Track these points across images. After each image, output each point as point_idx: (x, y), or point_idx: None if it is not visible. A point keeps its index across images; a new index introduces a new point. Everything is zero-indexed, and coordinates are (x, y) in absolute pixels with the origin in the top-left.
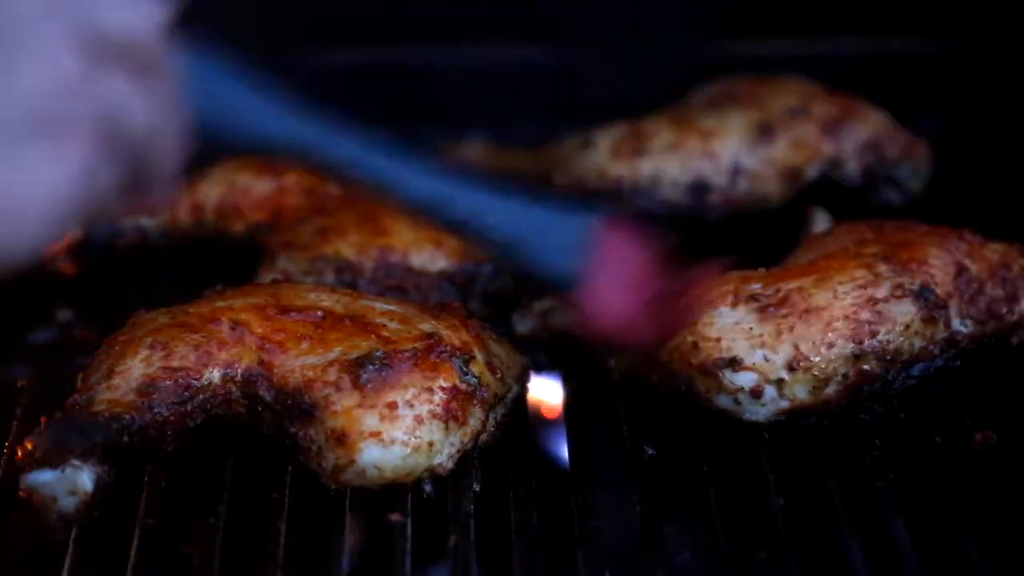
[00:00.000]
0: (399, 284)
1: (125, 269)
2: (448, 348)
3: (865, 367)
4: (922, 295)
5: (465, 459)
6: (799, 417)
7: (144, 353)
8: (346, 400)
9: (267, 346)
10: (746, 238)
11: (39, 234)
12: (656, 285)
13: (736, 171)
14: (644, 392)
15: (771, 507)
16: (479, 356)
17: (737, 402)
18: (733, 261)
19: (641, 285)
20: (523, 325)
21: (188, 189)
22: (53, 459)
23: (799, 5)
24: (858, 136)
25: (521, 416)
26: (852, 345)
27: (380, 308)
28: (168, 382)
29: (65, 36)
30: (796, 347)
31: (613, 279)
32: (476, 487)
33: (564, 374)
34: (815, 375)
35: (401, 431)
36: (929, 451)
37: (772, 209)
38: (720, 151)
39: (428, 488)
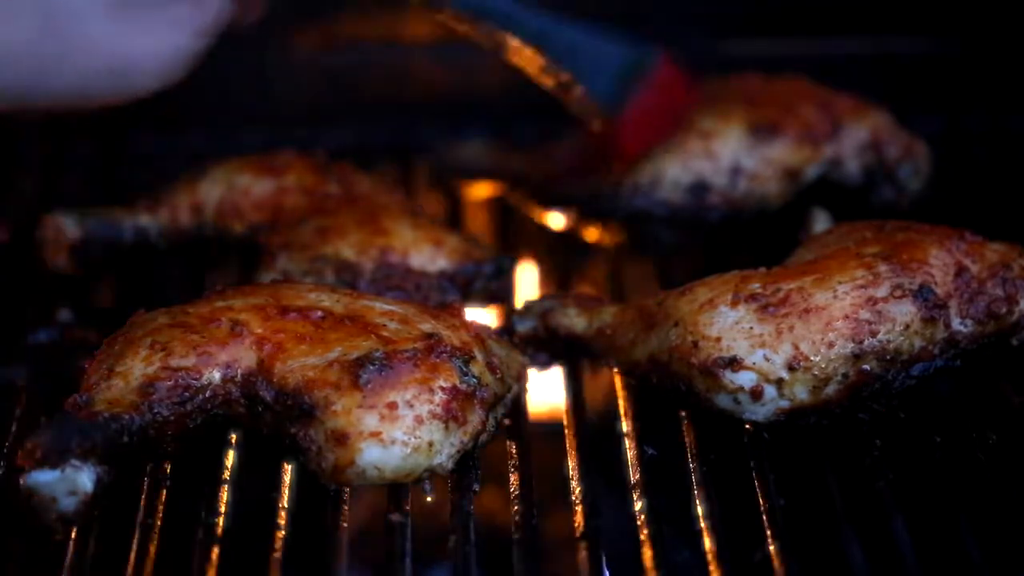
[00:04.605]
0: (399, 284)
1: (125, 269)
2: (448, 348)
3: (865, 367)
4: (922, 295)
5: (465, 459)
6: (799, 417)
7: (144, 353)
8: (346, 400)
9: (267, 346)
10: (746, 238)
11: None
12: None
13: (736, 171)
14: (644, 392)
15: (771, 507)
16: (479, 356)
17: (737, 402)
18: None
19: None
20: (523, 325)
21: (188, 189)
22: (53, 459)
23: (799, 5)
24: (858, 136)
25: (521, 416)
26: (852, 345)
27: (380, 308)
28: (168, 382)
29: None
30: (796, 347)
31: (652, 112)
32: (476, 487)
33: (564, 374)
34: (815, 375)
35: (401, 431)
36: (929, 451)
37: (772, 209)
38: (720, 151)
39: (428, 488)
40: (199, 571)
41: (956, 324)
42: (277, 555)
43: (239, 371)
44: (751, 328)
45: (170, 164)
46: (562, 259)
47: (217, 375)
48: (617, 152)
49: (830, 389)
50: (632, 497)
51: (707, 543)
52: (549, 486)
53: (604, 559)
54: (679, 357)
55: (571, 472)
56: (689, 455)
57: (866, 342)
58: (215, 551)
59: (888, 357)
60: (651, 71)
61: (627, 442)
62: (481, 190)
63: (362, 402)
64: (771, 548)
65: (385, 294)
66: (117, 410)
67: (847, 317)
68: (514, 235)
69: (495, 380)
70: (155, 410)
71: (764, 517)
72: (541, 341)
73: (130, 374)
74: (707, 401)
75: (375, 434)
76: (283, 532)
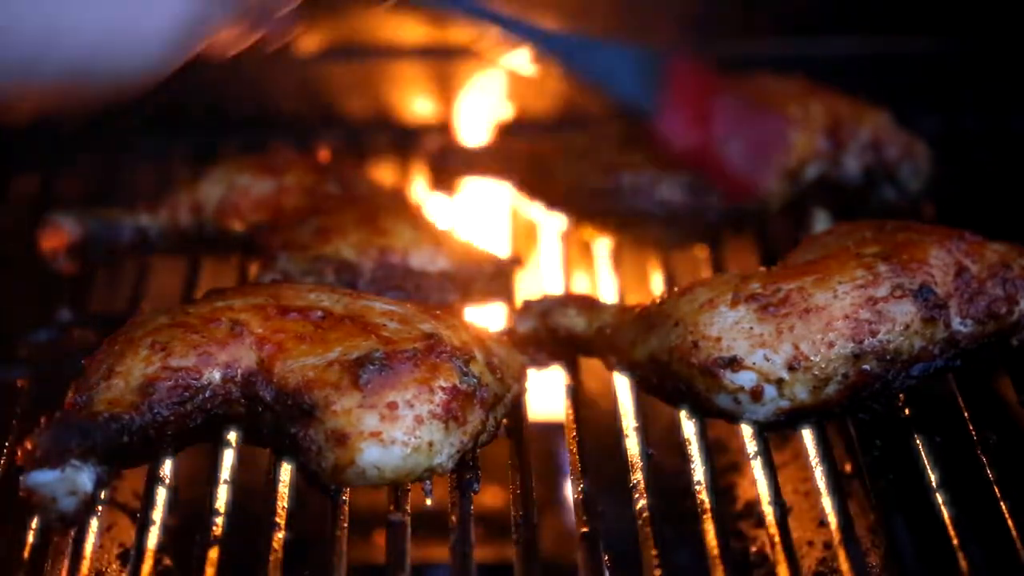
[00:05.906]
0: (399, 284)
1: (125, 269)
2: (448, 348)
3: (865, 367)
4: (922, 295)
5: (465, 459)
6: (799, 417)
7: (144, 353)
8: (346, 400)
9: (267, 346)
10: (746, 238)
11: (159, 58)
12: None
13: None
14: (644, 392)
15: (771, 507)
16: (479, 356)
17: (737, 402)
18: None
19: (712, 116)
20: (523, 325)
21: (188, 189)
22: (53, 459)
23: (798, 5)
24: (858, 136)
25: (521, 416)
26: (852, 345)
27: (380, 308)
28: (168, 382)
29: None
30: (796, 347)
31: (687, 109)
32: (476, 487)
33: (564, 374)
34: (815, 375)
35: (401, 431)
36: (929, 451)
37: (772, 209)
38: None
39: (428, 489)
40: (199, 571)
41: (956, 324)
42: (277, 555)
43: (239, 371)
44: (751, 328)
45: (170, 164)
46: (562, 259)
47: (217, 375)
48: (674, 149)
49: (830, 389)
50: (632, 497)
51: (706, 543)
52: (549, 486)
53: (604, 559)
54: (679, 357)
55: (571, 472)
56: (692, 455)
57: (866, 342)
58: (215, 551)
59: (888, 357)
60: (668, 67)
61: (627, 442)
62: (481, 189)
63: (362, 402)
64: (770, 548)
65: (385, 294)
66: (117, 410)
67: (847, 317)
68: (514, 235)
69: (495, 380)
70: (155, 410)
71: (763, 517)
72: (541, 341)
73: (130, 374)
74: (707, 401)
75: (375, 434)
76: (283, 532)
